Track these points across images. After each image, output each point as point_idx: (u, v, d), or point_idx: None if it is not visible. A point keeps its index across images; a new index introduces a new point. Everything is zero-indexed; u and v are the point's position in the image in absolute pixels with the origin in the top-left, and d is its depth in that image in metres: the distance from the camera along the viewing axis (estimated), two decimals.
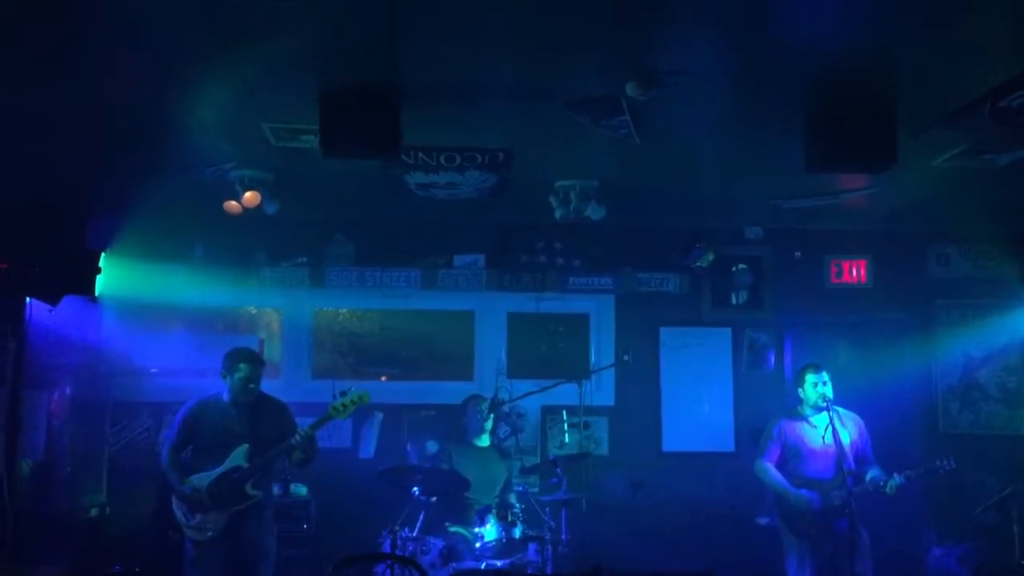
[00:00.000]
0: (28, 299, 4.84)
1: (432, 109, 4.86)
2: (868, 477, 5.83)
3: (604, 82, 4.47)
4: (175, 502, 5.41)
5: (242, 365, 5.42)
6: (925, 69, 4.32)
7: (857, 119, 4.56)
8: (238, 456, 5.33)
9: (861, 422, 6.04)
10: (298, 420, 5.58)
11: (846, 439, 5.82)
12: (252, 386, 5.44)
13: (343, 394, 5.53)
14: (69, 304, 5.44)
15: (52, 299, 4.83)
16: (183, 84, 4.56)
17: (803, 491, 5.82)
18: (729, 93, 4.68)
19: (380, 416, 7.18)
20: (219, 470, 5.31)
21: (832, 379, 5.97)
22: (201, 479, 5.33)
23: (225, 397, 5.49)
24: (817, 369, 6.02)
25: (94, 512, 6.34)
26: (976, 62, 4.21)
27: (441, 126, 5.21)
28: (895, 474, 5.74)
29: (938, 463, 5.85)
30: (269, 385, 5.79)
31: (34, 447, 5.84)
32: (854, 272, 7.53)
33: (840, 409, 5.94)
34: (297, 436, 5.31)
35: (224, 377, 5.47)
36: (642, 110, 4.73)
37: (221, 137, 5.30)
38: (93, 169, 5.53)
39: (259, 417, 5.46)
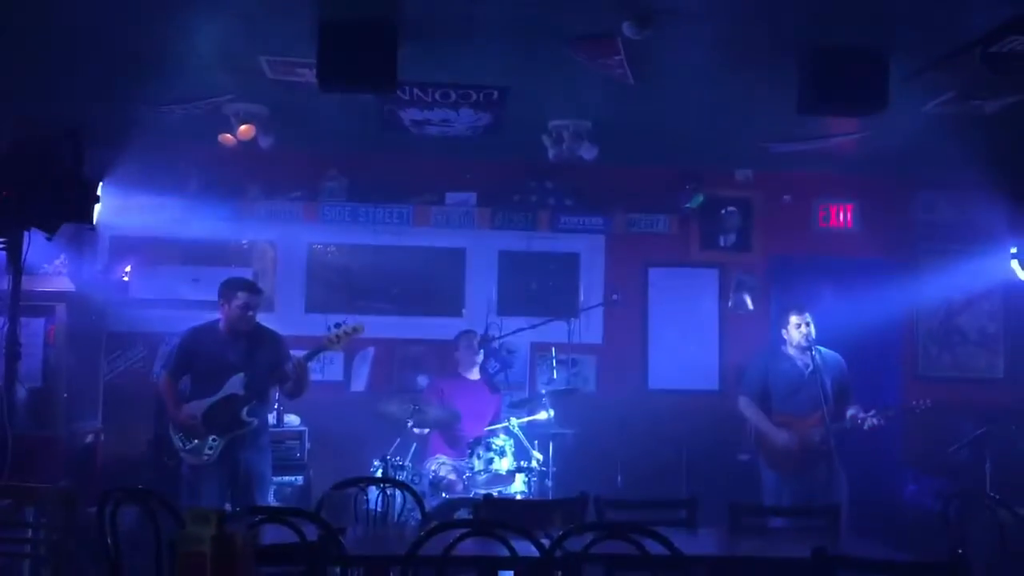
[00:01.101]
0: (25, 229, 4.87)
1: (429, 44, 4.87)
2: (848, 415, 5.99)
3: (601, 20, 4.50)
4: (172, 428, 5.52)
5: (240, 293, 5.47)
6: (918, 12, 4.37)
7: (849, 62, 4.62)
8: (234, 383, 5.42)
9: (843, 362, 6.17)
10: (293, 352, 5.67)
11: (827, 379, 5.96)
12: (250, 314, 5.51)
13: (337, 326, 5.62)
14: (66, 233, 5.48)
15: (50, 227, 4.87)
16: (181, 14, 4.57)
17: (783, 432, 5.98)
18: (723, 34, 4.72)
19: (372, 351, 7.29)
20: (215, 397, 5.41)
21: (815, 321, 6.09)
22: (197, 406, 5.43)
23: (221, 326, 5.56)
24: (801, 310, 6.13)
25: (90, 438, 6.46)
26: (969, 6, 4.26)
27: (437, 63, 5.24)
28: (872, 412, 5.90)
29: (915, 402, 6.03)
30: (264, 318, 5.85)
31: (31, 373, 5.92)
32: (841, 216, 7.65)
33: (822, 349, 6.07)
34: (291, 363, 5.41)
35: (221, 305, 5.52)
36: (637, 49, 4.77)
37: (218, 70, 5.30)
38: (90, 100, 5.53)
39: (255, 346, 5.54)
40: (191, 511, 2.63)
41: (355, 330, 5.60)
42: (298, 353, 5.59)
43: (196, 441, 5.41)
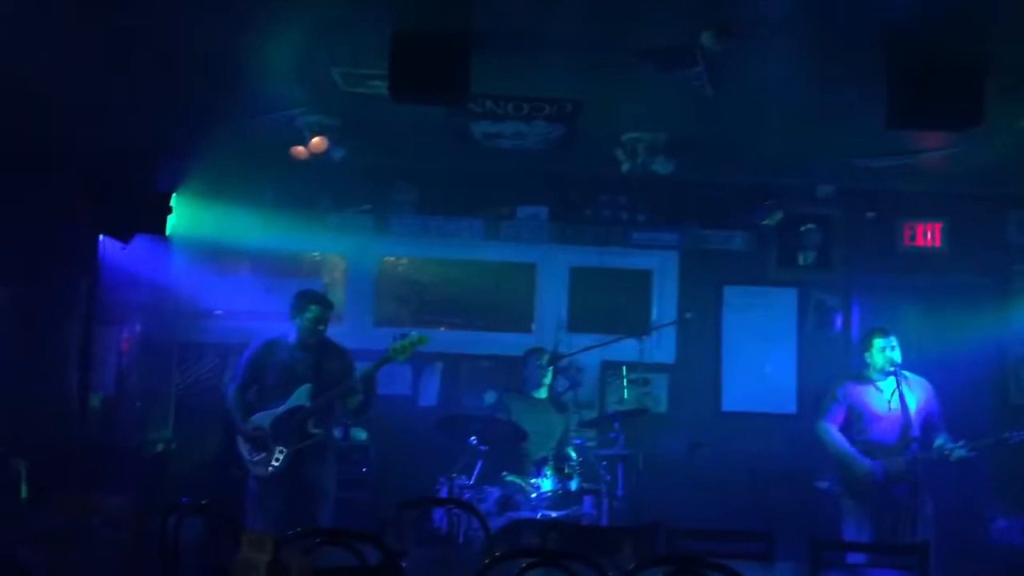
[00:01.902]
0: (101, 237, 4.92)
1: (502, 57, 4.79)
2: (935, 444, 5.71)
3: (679, 31, 4.36)
4: (240, 440, 5.52)
5: (312, 306, 5.50)
6: (1017, 20, 4.12)
7: (943, 74, 4.38)
8: (301, 395, 5.42)
9: (930, 388, 5.89)
10: (360, 365, 5.64)
11: (913, 404, 5.69)
12: (321, 327, 5.53)
13: (403, 336, 5.58)
14: (141, 243, 5.54)
15: (124, 237, 4.92)
16: (254, 26, 4.56)
17: (866, 460, 5.72)
18: (808, 45, 4.53)
19: (440, 365, 7.22)
20: (282, 408, 5.42)
21: (900, 344, 5.84)
22: (264, 417, 5.44)
23: (291, 338, 5.57)
24: (886, 333, 5.88)
25: (160, 447, 6.52)
26: None
27: (510, 75, 5.15)
28: (961, 443, 5.61)
29: (1007, 434, 5.71)
30: (333, 331, 5.87)
31: (105, 382, 5.99)
32: (928, 235, 7.32)
33: (908, 373, 5.80)
34: (358, 375, 5.37)
35: (293, 318, 5.56)
36: (717, 60, 4.61)
37: (290, 82, 5.31)
38: (164, 112, 5.59)
39: (323, 359, 5.54)
40: (247, 535, 2.56)
41: (420, 340, 5.56)
42: (365, 365, 5.56)
43: (263, 453, 5.40)
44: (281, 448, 5.38)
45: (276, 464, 5.39)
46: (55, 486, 5.14)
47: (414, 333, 5.63)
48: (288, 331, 5.60)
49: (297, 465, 5.41)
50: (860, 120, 5.24)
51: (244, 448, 5.49)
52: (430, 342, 5.74)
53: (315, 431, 5.42)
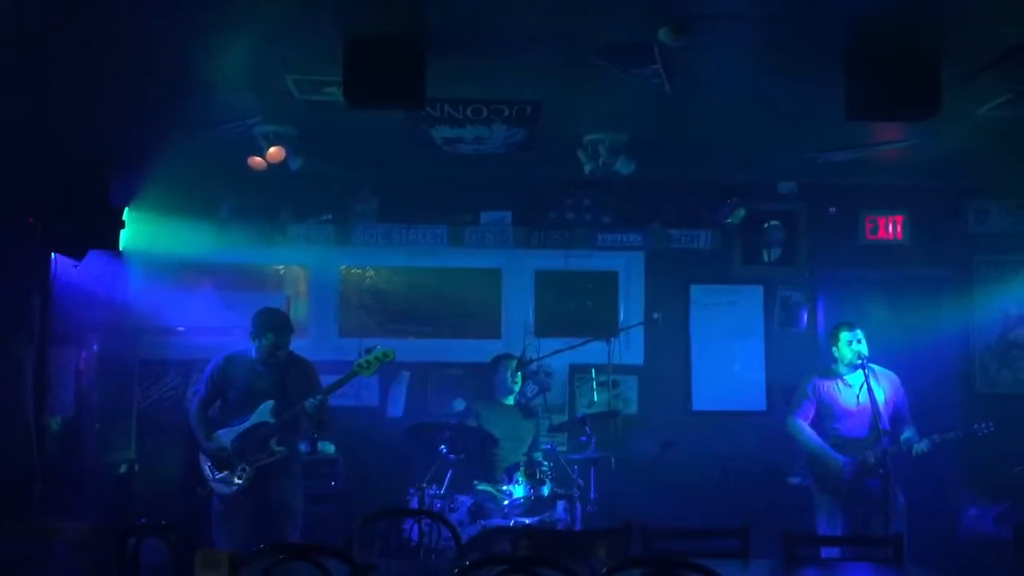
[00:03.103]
0: (53, 254, 4.79)
1: (459, 59, 4.73)
2: (902, 438, 5.73)
3: (636, 27, 4.32)
4: (202, 458, 5.41)
5: (270, 335, 5.43)
6: (972, 9, 4.13)
7: (900, 65, 4.38)
8: (263, 412, 5.33)
9: (897, 380, 5.92)
10: (325, 378, 5.55)
11: (881, 397, 5.71)
12: (280, 352, 5.45)
13: (368, 351, 5.50)
14: (95, 260, 5.41)
15: (77, 254, 4.79)
16: (205, 36, 4.47)
17: (837, 455, 5.72)
18: (765, 39, 4.50)
19: (407, 375, 7.13)
20: (245, 425, 5.32)
21: (867, 337, 5.85)
22: (227, 434, 5.33)
23: (253, 354, 5.47)
24: (851, 327, 5.90)
25: (123, 468, 6.37)
26: None
27: (468, 78, 5.09)
28: (926, 439, 5.64)
29: (976, 426, 5.74)
30: (297, 343, 5.76)
31: (63, 404, 5.84)
32: (890, 228, 7.35)
33: (876, 367, 5.82)
34: (310, 401, 5.28)
35: (252, 339, 5.46)
36: (675, 58, 4.58)
37: (244, 91, 5.20)
38: (116, 124, 5.46)
39: (286, 374, 5.45)
40: (202, 554, 2.47)
41: (386, 355, 5.48)
42: (331, 380, 5.47)
43: (226, 471, 5.29)
44: (244, 466, 5.27)
45: (239, 482, 5.28)
46: (14, 512, 4.99)
47: (379, 348, 5.54)
48: (250, 345, 5.49)
49: (262, 482, 5.30)
50: (820, 114, 5.24)
51: (206, 466, 5.38)
52: (396, 352, 5.64)
53: (278, 448, 5.33)
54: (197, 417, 5.46)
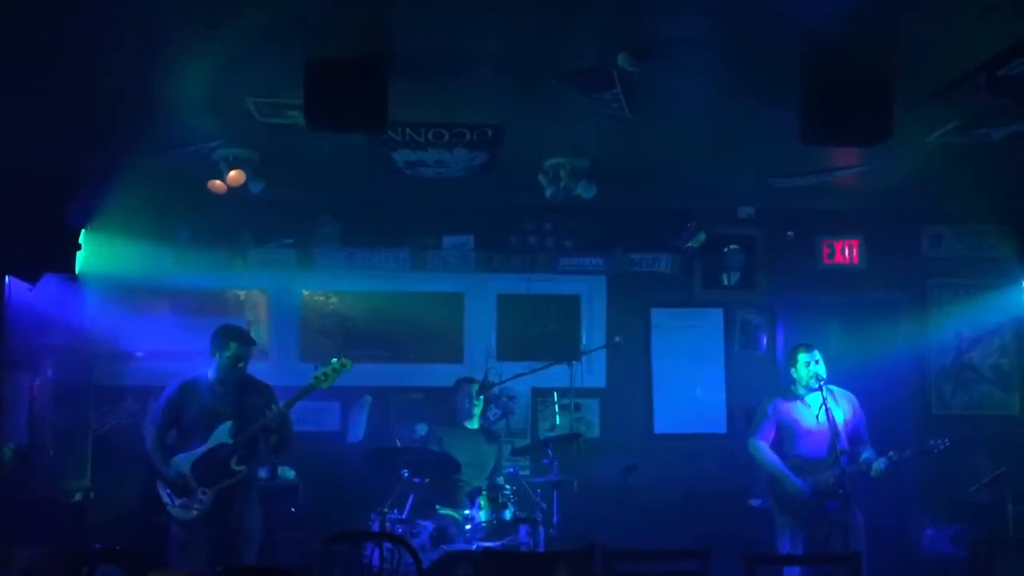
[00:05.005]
0: (6, 276, 4.71)
1: (421, 83, 4.76)
2: (861, 458, 5.79)
3: (596, 52, 4.38)
4: (160, 484, 5.33)
5: (232, 344, 5.36)
6: (922, 38, 4.25)
7: (853, 90, 4.49)
8: (222, 433, 5.27)
9: (855, 400, 5.99)
10: (284, 401, 5.50)
11: (840, 418, 5.77)
12: (241, 365, 5.40)
13: (325, 364, 5.46)
14: (50, 284, 5.33)
15: (31, 276, 4.71)
16: (164, 58, 4.45)
17: (796, 478, 5.77)
18: (722, 64, 4.59)
19: (369, 399, 7.08)
20: (202, 449, 5.25)
21: (824, 360, 5.92)
22: (186, 459, 5.26)
23: (211, 375, 5.41)
24: (809, 348, 5.97)
25: (78, 496, 6.25)
26: (975, 31, 4.14)
27: (429, 101, 5.12)
28: (882, 456, 5.71)
29: (932, 443, 5.83)
30: (257, 367, 5.71)
31: (16, 430, 5.73)
32: (846, 252, 7.47)
33: (834, 387, 5.90)
34: (272, 409, 5.23)
35: (212, 354, 5.40)
36: (634, 82, 4.64)
37: (204, 113, 5.19)
38: (73, 146, 5.41)
39: (243, 395, 5.40)
40: (153, 575, 2.42)
41: (343, 366, 5.44)
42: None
43: (185, 497, 5.22)
44: (204, 489, 5.21)
45: (199, 507, 5.21)
46: None
47: (335, 360, 5.49)
48: (207, 369, 5.42)
49: (221, 506, 5.24)
50: (777, 139, 5.30)
51: (165, 493, 5.29)
52: (358, 376, 5.62)
53: (238, 468, 5.26)
54: (154, 445, 5.37)
